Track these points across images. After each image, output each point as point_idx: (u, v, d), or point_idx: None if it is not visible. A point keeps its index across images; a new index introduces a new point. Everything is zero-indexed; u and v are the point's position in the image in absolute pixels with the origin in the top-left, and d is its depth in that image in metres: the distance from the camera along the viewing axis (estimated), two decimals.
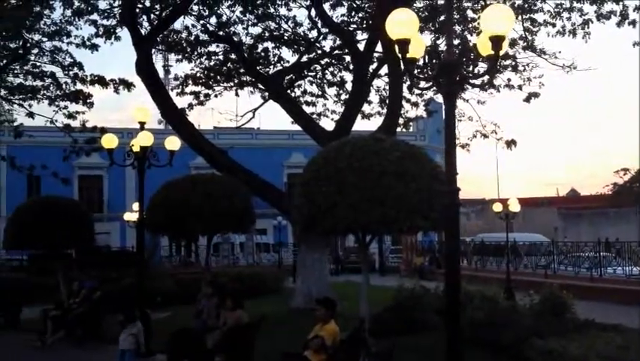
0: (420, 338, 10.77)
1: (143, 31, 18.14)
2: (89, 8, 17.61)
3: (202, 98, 21.68)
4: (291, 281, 22.54)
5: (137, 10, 17.89)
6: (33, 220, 14.62)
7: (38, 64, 23.06)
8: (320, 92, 22.25)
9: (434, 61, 5.91)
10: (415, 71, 6.56)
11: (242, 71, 21.21)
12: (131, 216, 25.24)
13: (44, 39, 21.32)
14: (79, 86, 23.19)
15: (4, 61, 22.49)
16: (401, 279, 17.89)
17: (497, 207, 23.64)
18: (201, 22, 19.87)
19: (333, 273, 28.75)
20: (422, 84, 6.77)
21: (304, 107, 21.41)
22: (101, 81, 22.90)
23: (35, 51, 22.26)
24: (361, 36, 20.58)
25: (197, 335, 10.10)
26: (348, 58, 20.83)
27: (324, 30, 20.39)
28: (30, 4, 17.21)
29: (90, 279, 15.93)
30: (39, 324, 13.42)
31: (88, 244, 17.51)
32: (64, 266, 16.42)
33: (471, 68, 6.83)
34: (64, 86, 23.37)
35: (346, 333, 8.21)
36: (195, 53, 20.99)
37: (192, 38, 20.53)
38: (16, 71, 23.54)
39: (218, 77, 21.61)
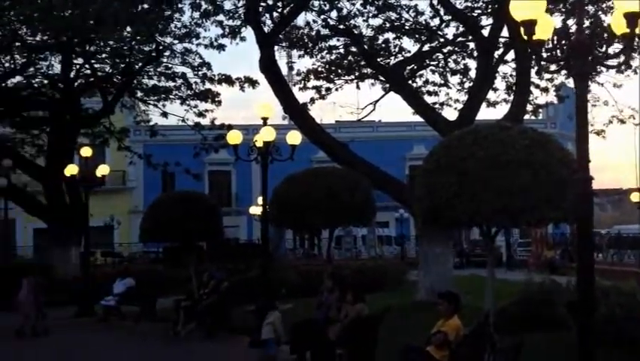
0: (549, 334, 10.26)
1: (266, 30, 18.56)
2: (216, 10, 18.21)
3: (323, 93, 21.88)
4: (415, 275, 22.29)
5: (261, 9, 18.32)
6: (167, 214, 15.33)
7: (170, 65, 24.30)
8: (442, 81, 21.80)
9: (564, 42, 5.55)
10: (544, 54, 6.23)
11: (362, 63, 21.19)
12: (257, 210, 26.03)
13: (175, 41, 22.40)
14: (207, 85, 24.23)
15: (140, 64, 23.88)
16: (529, 273, 17.19)
17: (635, 198, 22.21)
18: (322, 16, 20.03)
19: (457, 266, 28.11)
20: (551, 67, 6.43)
21: (426, 97, 21.08)
22: (227, 80, 23.74)
23: (167, 53, 23.46)
24: (486, 21, 19.92)
25: (319, 327, 10.19)
26: (472, 44, 20.26)
27: (446, 17, 19.93)
28: (161, 8, 18.06)
29: (219, 270, 16.58)
30: (173, 314, 14.11)
31: (218, 237, 18.18)
32: (196, 258, 17.20)
33: (604, 49, 6.35)
34: (193, 86, 24.47)
35: (470, 328, 7.95)
36: (316, 48, 21.20)
37: (313, 33, 20.76)
38: (150, 73, 24.92)
39: (339, 71, 21.72)
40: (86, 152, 18.87)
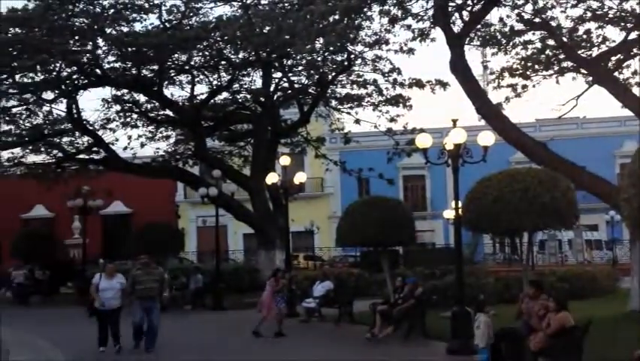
0: None
1: (455, 29, 18.19)
2: (404, 14, 18.22)
3: (519, 90, 20.96)
4: (627, 282, 20.45)
5: (450, 9, 17.99)
6: (362, 219, 15.59)
7: (361, 73, 24.82)
8: None
9: None
10: None
11: (562, 56, 19.95)
12: (451, 214, 25.53)
13: (366, 49, 22.82)
14: (398, 90, 24.35)
15: (333, 74, 24.66)
16: None
17: None
18: (516, 11, 19.22)
19: None
20: None
21: (635, 89, 19.29)
22: (418, 83, 23.67)
23: (358, 61, 23.97)
24: None
25: (520, 336, 9.70)
26: None
27: None
28: (351, 18, 18.48)
29: (414, 275, 16.50)
30: (370, 317, 14.27)
31: (412, 242, 18.13)
32: (391, 262, 17.24)
33: None
34: (384, 92, 24.73)
35: None
36: (510, 44, 20.39)
37: (507, 29, 19.96)
38: (343, 82, 25.65)
39: (536, 66, 20.64)
40: (286, 161, 19.78)
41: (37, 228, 34.81)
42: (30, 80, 23.60)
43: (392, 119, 25.32)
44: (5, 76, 23.21)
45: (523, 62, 20.59)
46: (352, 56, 23.34)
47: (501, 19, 19.83)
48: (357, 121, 26.62)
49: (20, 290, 26.67)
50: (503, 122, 17.77)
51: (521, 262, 14.41)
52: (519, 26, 19.62)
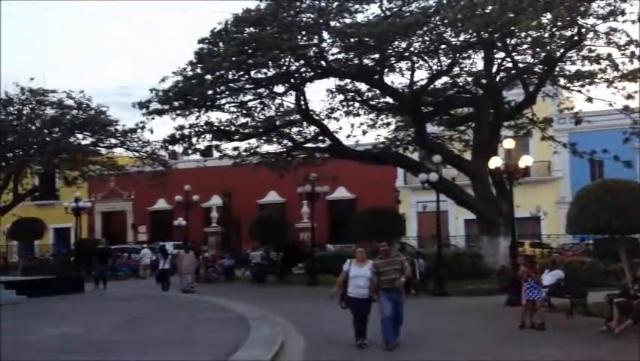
0: None
1: None
2: None
3: None
4: None
5: None
6: (595, 205, 14.49)
7: (593, 48, 23.00)
8: None
9: None
10: None
11: None
12: None
13: (598, 22, 21.13)
14: (636, 64, 22.20)
15: (561, 50, 23.18)
16: None
17: None
18: None
19: None
20: None
21: None
22: None
23: (590, 35, 22.25)
24: None
25: None
26: None
27: None
28: None
29: None
30: (606, 309, 13.29)
31: None
32: (629, 251, 15.85)
33: None
34: (620, 67, 22.69)
35: None
36: None
37: None
38: (572, 59, 24.00)
39: None
40: (510, 144, 19.06)
41: (270, 212, 37.54)
42: (263, 75, 25.39)
43: (629, 96, 23.17)
44: (242, 73, 25.22)
45: None
46: (583, 29, 21.74)
47: None
48: (590, 99, 24.75)
49: (257, 270, 29.04)
50: None
51: None
52: None
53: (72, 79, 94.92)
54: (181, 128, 27.78)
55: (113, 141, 34.63)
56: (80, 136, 34.11)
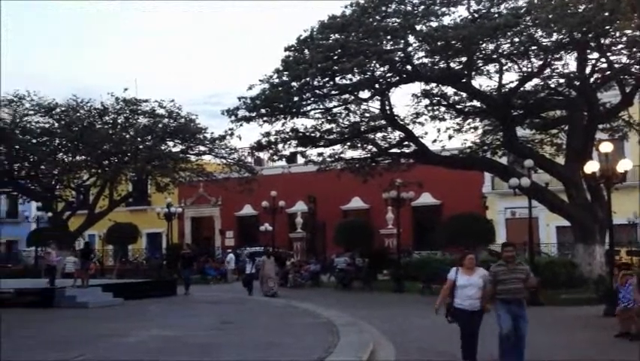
0: None
1: None
2: None
3: None
4: None
5: None
6: None
7: None
8: None
9: None
10: None
11: None
12: None
13: None
14: None
15: None
16: None
17: None
18: None
19: None
20: None
21: None
22: None
23: None
24: None
25: None
26: None
27: None
28: None
29: None
30: None
31: None
32: None
33: None
34: None
35: None
36: None
37: None
38: None
39: None
40: (607, 147, 18.25)
41: (355, 218, 37.52)
42: (348, 81, 25.43)
43: None
44: (327, 79, 25.34)
45: None
46: None
47: None
48: None
49: (343, 276, 29.05)
50: None
51: None
52: None
53: (163, 88, 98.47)
54: (267, 134, 28.18)
55: (202, 148, 35.56)
56: (170, 144, 35.19)
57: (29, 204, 47.05)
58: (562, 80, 24.96)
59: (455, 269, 9.88)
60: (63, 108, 33.87)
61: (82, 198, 39.33)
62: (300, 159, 33.91)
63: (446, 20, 23.39)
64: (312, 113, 27.99)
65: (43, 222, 43.34)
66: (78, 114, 33.75)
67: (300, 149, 29.91)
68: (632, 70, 23.81)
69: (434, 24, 23.18)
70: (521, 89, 25.46)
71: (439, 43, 22.51)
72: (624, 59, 23.73)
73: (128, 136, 34.07)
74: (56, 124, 33.84)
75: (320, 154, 29.86)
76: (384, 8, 23.21)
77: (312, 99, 26.86)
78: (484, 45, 23.59)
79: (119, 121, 34.64)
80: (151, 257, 42.29)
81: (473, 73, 25.16)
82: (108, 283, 24.52)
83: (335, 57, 23.71)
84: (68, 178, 36.06)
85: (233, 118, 27.01)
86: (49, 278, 22.75)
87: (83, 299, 20.13)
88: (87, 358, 10.77)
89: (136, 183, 40.67)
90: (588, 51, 23.50)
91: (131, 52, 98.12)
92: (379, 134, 29.57)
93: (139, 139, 33.83)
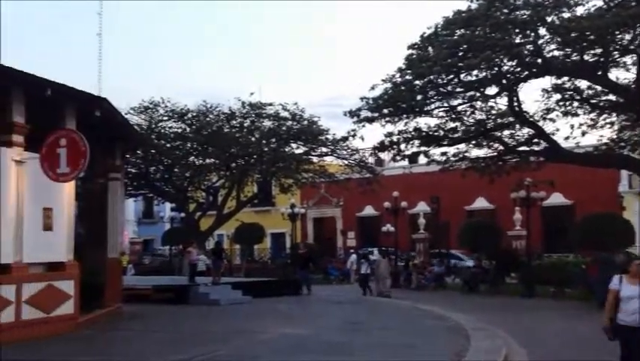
0: None
1: None
2: None
3: None
4: None
5: None
6: None
7: None
8: None
9: None
10: None
11: None
12: None
13: None
14: None
15: None
16: None
17: None
18: None
19: None
20: None
21: None
22: None
23: None
24: None
25: None
26: None
27: None
28: None
29: None
30: None
31: None
32: None
33: None
34: None
35: None
36: None
37: None
38: None
39: None
40: None
41: (480, 218, 36.45)
42: (474, 78, 24.74)
43: None
44: (452, 76, 24.80)
45: None
46: None
47: None
48: None
49: (470, 278, 28.31)
50: None
51: None
52: None
53: (285, 91, 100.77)
54: (390, 135, 27.97)
55: (324, 149, 35.97)
56: (294, 145, 35.87)
57: (164, 205, 49.68)
58: None
59: (619, 277, 8.26)
60: (194, 113, 35.46)
61: (211, 199, 40.92)
62: (422, 159, 33.42)
63: (579, 10, 22.22)
64: (435, 111, 27.51)
65: (177, 222, 45.55)
66: (208, 119, 35.22)
67: (423, 148, 29.45)
68: None
69: (566, 15, 22.07)
70: None
71: (572, 35, 21.39)
72: None
73: (253, 139, 35.07)
74: (188, 129, 35.49)
75: (444, 153, 29.27)
76: (512, 0, 22.39)
77: (436, 97, 26.39)
78: (620, 35, 22.19)
79: (245, 124, 35.76)
80: (276, 256, 43.25)
81: (609, 65, 23.71)
82: (237, 282, 25.27)
83: (460, 53, 23.17)
84: (199, 180, 37.68)
85: (355, 119, 27.07)
86: (189, 275, 23.71)
87: (215, 296, 20.83)
88: (222, 353, 11.07)
89: (261, 184, 41.79)
90: None
91: (254, 57, 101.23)
92: (506, 132, 28.54)
93: (264, 141, 34.74)
